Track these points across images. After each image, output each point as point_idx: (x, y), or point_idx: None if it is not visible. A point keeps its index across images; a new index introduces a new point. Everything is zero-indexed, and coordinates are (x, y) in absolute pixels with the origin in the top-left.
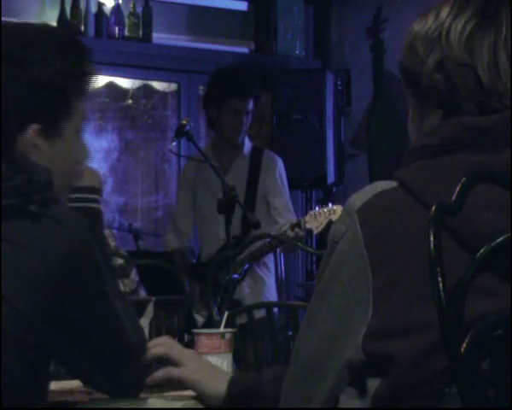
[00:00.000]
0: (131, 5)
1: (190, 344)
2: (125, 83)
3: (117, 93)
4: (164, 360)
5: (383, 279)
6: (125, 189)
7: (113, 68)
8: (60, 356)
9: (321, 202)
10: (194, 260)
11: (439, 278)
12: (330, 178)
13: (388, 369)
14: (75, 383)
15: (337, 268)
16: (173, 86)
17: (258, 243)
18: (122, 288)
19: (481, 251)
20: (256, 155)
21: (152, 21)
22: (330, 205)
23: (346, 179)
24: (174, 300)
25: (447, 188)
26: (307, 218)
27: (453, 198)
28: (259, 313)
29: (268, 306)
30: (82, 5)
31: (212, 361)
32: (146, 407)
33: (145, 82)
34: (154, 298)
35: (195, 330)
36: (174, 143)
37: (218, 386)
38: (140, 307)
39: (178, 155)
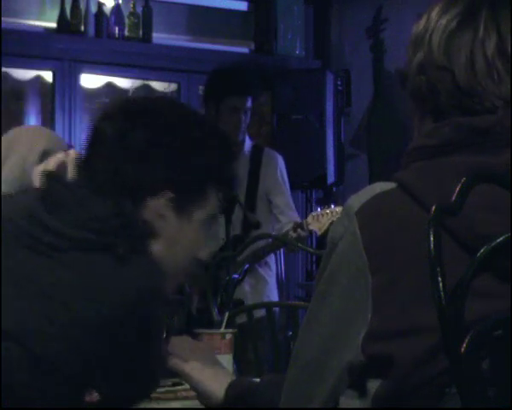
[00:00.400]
0: (131, 5)
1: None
2: (124, 83)
3: (117, 93)
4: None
5: (382, 280)
6: None
7: (113, 68)
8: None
9: (321, 202)
10: None
11: (439, 279)
12: (330, 178)
13: (388, 370)
14: None
15: (336, 269)
16: (173, 86)
17: (261, 243)
18: None
19: (481, 251)
20: (256, 153)
21: (152, 21)
22: (333, 206)
23: (346, 179)
24: (174, 300)
25: (447, 189)
26: (309, 219)
27: (453, 199)
28: (260, 313)
29: (268, 306)
30: (82, 5)
31: None
32: (146, 406)
33: (145, 82)
34: None
35: (196, 331)
36: None
37: (218, 389)
38: None
39: None
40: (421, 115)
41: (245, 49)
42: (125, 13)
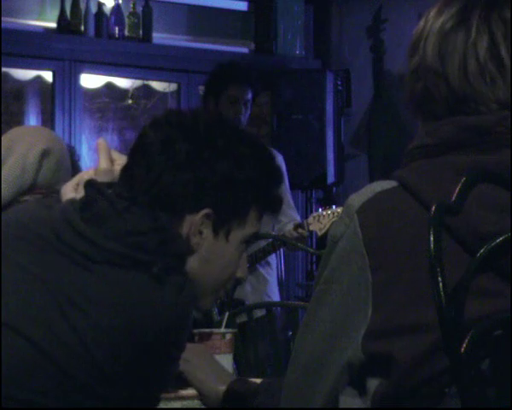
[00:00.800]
0: (131, 5)
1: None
2: (124, 83)
3: (117, 93)
4: None
5: (383, 279)
6: None
7: (112, 68)
8: None
9: (321, 202)
10: None
11: (439, 278)
12: (330, 178)
13: (388, 369)
14: None
15: (336, 268)
16: (173, 86)
17: (261, 244)
18: None
19: (481, 251)
20: None
21: (152, 21)
22: (334, 207)
23: (346, 179)
24: None
25: (447, 188)
26: (310, 220)
27: (453, 198)
28: (260, 312)
29: (268, 306)
30: (82, 5)
31: None
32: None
33: (145, 82)
34: None
35: (196, 330)
36: None
37: (218, 389)
38: None
39: None
40: (421, 117)
41: (245, 49)
42: (125, 13)
